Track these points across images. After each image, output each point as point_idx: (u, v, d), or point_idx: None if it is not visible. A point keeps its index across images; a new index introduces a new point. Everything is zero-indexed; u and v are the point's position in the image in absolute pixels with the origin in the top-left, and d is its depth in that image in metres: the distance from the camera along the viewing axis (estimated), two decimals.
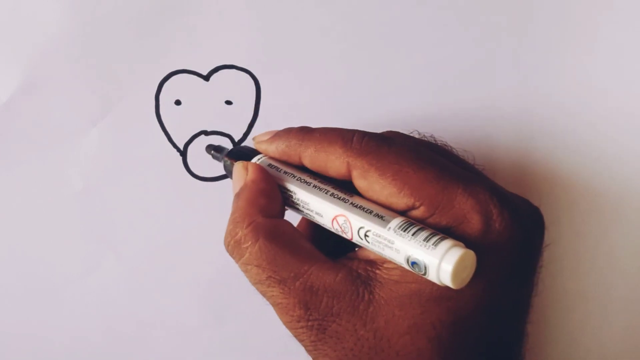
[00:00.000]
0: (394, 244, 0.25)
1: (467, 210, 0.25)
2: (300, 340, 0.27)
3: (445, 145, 0.32)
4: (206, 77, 0.36)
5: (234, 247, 0.28)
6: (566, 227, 0.37)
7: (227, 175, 0.32)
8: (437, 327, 0.25)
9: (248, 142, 0.37)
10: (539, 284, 0.29)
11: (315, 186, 0.28)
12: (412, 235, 0.25)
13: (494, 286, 0.26)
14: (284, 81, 0.36)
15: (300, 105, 0.36)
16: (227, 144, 0.37)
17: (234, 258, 0.29)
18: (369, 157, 0.27)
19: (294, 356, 0.29)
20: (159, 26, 0.36)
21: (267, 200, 0.29)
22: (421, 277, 0.25)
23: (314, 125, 0.30)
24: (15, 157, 0.37)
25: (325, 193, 0.28)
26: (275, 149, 0.30)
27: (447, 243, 0.24)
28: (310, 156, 0.28)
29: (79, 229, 0.38)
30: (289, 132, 0.30)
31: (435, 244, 0.24)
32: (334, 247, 0.29)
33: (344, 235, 0.27)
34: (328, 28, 0.36)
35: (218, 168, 0.37)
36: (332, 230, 0.28)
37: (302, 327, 0.27)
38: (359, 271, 0.27)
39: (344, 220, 0.27)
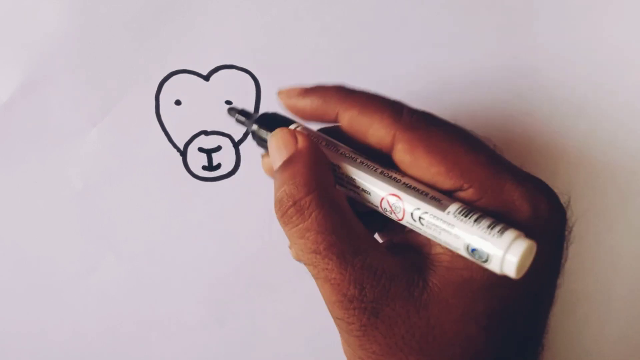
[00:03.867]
0: (453, 229, 0.24)
1: (516, 198, 0.25)
2: (349, 324, 0.25)
3: (471, 131, 0.31)
4: (206, 77, 0.36)
5: (295, 211, 0.26)
6: None
7: (257, 142, 0.29)
8: (488, 316, 0.25)
9: (249, 143, 0.37)
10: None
11: (362, 162, 0.27)
12: (475, 221, 0.24)
13: (541, 275, 0.26)
14: (284, 81, 0.36)
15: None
16: (231, 139, 0.37)
17: (288, 223, 0.26)
18: (419, 133, 0.26)
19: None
20: (159, 26, 0.36)
21: (327, 172, 0.27)
22: (472, 264, 0.25)
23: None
24: (15, 157, 0.37)
25: (375, 170, 0.26)
26: (310, 103, 0.28)
27: (511, 233, 0.23)
28: (352, 118, 0.27)
29: (79, 229, 0.38)
30: (326, 89, 0.28)
31: (501, 232, 0.23)
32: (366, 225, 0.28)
33: (392, 216, 0.26)
34: (328, 28, 0.36)
35: (218, 168, 0.37)
36: (379, 209, 0.26)
37: (354, 309, 0.25)
38: (413, 258, 0.26)
39: (396, 200, 0.25)
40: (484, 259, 0.24)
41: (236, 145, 0.37)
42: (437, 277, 0.25)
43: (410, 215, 0.25)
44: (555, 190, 0.27)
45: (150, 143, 0.37)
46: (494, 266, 0.23)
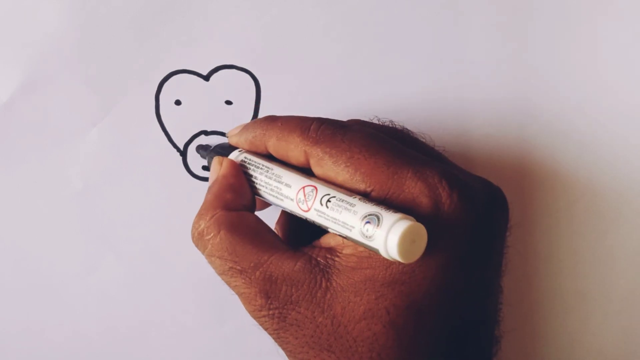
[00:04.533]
0: (354, 206, 0.25)
1: (416, 195, 0.26)
2: (265, 329, 0.28)
3: (403, 128, 0.32)
4: (206, 77, 0.36)
5: (197, 239, 0.29)
6: (565, 227, 0.37)
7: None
8: (391, 312, 0.26)
9: None
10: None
11: (289, 169, 0.29)
12: (375, 205, 0.25)
13: (448, 268, 0.26)
14: (284, 81, 0.36)
15: (300, 105, 0.36)
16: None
17: (199, 250, 0.29)
18: (323, 145, 0.27)
19: None
20: (159, 26, 0.36)
21: (234, 195, 0.30)
22: (375, 262, 0.26)
23: None
24: (15, 157, 0.37)
25: (300, 172, 0.29)
26: (244, 140, 0.31)
27: (396, 214, 0.24)
28: (274, 145, 0.29)
29: (79, 229, 0.38)
30: (255, 123, 0.31)
31: (391, 214, 0.24)
32: (308, 242, 0.29)
33: (300, 208, 0.28)
34: (328, 28, 0.36)
35: None
36: (293, 204, 0.28)
37: (264, 316, 0.27)
38: (318, 259, 0.27)
39: (312, 190, 0.27)
40: (369, 236, 0.25)
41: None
42: (341, 277, 0.26)
43: (319, 200, 0.27)
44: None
45: (150, 143, 0.37)
46: (377, 244, 0.24)
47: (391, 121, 0.33)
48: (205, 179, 0.37)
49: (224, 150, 0.32)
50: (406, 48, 0.36)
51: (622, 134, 0.36)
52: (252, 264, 0.27)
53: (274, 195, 0.29)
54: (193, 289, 0.38)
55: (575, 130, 0.36)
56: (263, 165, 0.30)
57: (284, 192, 0.28)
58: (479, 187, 0.28)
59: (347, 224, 0.26)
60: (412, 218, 0.24)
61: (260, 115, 0.36)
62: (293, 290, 0.27)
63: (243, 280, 0.28)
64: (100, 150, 0.37)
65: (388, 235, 0.24)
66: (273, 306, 0.27)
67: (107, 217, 0.38)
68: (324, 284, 0.26)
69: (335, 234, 0.27)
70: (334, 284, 0.26)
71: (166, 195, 0.37)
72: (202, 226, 0.29)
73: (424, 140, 0.32)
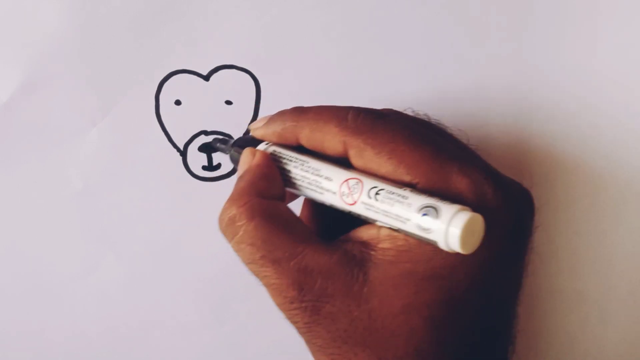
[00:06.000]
0: (406, 199, 0.25)
1: (462, 190, 0.26)
2: (294, 322, 0.27)
3: (439, 124, 0.32)
4: (206, 77, 0.36)
5: (227, 224, 0.28)
6: (565, 226, 0.37)
7: (235, 166, 0.32)
8: (431, 307, 0.25)
9: None
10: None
11: (328, 161, 0.28)
12: (427, 196, 0.25)
13: (487, 265, 0.26)
14: (284, 81, 0.36)
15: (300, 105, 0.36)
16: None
17: (226, 237, 0.28)
18: (364, 136, 0.27)
19: (294, 356, 0.29)
20: (159, 26, 0.36)
21: (268, 184, 0.29)
22: (415, 256, 0.25)
23: None
24: (15, 157, 0.37)
25: (339, 164, 0.28)
26: (272, 132, 0.30)
27: (455, 206, 0.24)
28: (307, 137, 0.28)
29: (79, 229, 0.38)
30: (283, 114, 0.30)
31: (447, 204, 0.24)
32: (333, 235, 0.29)
33: (344, 202, 0.27)
34: (328, 28, 0.36)
35: (218, 168, 0.37)
36: (336, 198, 0.27)
37: (295, 309, 0.26)
38: (354, 253, 0.27)
39: (356, 182, 0.27)
40: (427, 228, 0.24)
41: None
42: (379, 270, 0.26)
43: (367, 193, 0.26)
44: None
45: (150, 143, 0.37)
46: (436, 236, 0.24)
47: (426, 114, 0.32)
48: (205, 179, 0.37)
49: (247, 143, 0.31)
50: (406, 48, 0.36)
51: (623, 133, 0.36)
52: (286, 254, 0.27)
53: (312, 189, 0.28)
54: (193, 289, 0.38)
55: (575, 130, 0.36)
56: (297, 159, 0.29)
57: (324, 186, 0.28)
58: (514, 188, 0.28)
59: (401, 217, 0.25)
60: (470, 209, 0.24)
61: (260, 115, 0.36)
62: (329, 283, 0.26)
63: (275, 270, 0.27)
64: (100, 150, 0.37)
65: (449, 227, 0.24)
66: (306, 298, 0.26)
67: (107, 217, 0.38)
68: (360, 278, 0.26)
69: (370, 227, 0.27)
70: (371, 277, 0.26)
71: (166, 195, 0.37)
72: (233, 212, 0.27)
73: (459, 137, 0.31)
